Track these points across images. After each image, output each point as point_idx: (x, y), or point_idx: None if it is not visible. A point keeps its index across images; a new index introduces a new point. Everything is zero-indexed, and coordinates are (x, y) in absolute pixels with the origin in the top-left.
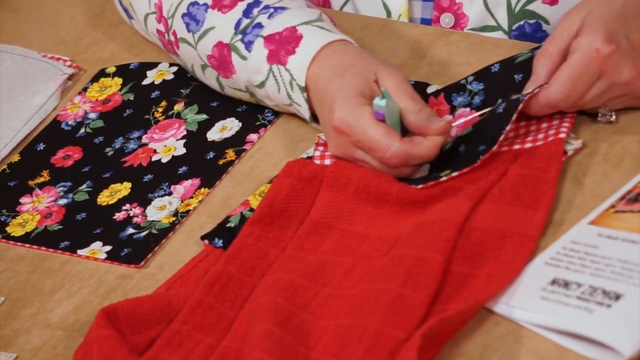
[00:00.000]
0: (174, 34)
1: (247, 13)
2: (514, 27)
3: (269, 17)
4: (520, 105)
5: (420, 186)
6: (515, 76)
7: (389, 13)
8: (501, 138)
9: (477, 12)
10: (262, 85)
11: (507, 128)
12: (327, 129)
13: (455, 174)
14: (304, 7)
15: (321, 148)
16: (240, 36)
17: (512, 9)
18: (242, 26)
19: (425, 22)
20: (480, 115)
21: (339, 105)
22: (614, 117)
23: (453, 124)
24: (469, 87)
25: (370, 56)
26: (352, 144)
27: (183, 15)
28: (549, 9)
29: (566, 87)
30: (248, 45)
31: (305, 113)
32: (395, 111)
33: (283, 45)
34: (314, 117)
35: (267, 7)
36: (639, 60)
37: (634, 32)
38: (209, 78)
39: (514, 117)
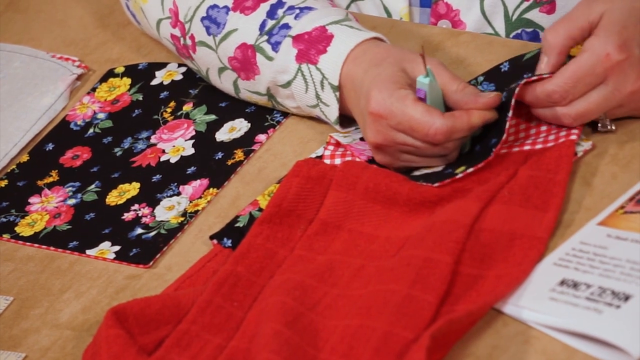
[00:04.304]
0: (192, 37)
1: (271, 14)
2: (511, 36)
3: (295, 18)
4: (517, 89)
5: (436, 184)
6: (525, 75)
7: (389, 16)
8: (507, 126)
9: (475, 20)
10: (288, 84)
11: (510, 114)
12: (363, 119)
13: (470, 169)
14: (329, 7)
15: (331, 147)
16: (265, 37)
17: (509, 18)
18: (267, 27)
19: None
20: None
21: (377, 91)
22: (613, 127)
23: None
24: (480, 87)
25: (404, 49)
26: (392, 128)
27: (202, 19)
28: (546, 18)
29: (567, 83)
30: (275, 45)
31: (333, 114)
32: (438, 93)
33: (313, 44)
34: (339, 120)
35: (292, 7)
36: None
37: None
38: (225, 82)
39: (513, 101)
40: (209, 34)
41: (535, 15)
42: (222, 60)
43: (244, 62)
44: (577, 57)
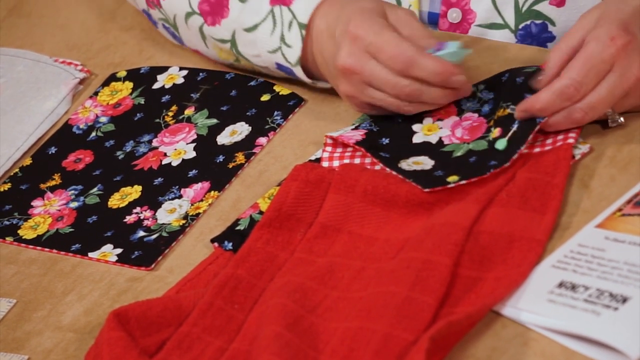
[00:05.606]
0: None
1: None
2: (520, 27)
3: None
4: (537, 127)
5: (427, 190)
6: (517, 79)
7: (399, 3)
8: (515, 157)
9: (485, 9)
10: (253, 28)
11: (522, 148)
12: (336, 49)
13: (463, 182)
14: None
15: (329, 149)
16: None
17: (519, 8)
18: None
19: (433, 16)
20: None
21: (359, 15)
22: (622, 119)
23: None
24: (479, 94)
25: None
26: (365, 52)
27: None
28: (556, 11)
29: (579, 74)
30: None
31: (295, 55)
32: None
33: None
34: (306, 74)
35: None
36: None
37: None
38: (191, 28)
39: (530, 137)
40: None
41: (545, 7)
42: (192, 4)
43: (216, 4)
44: (584, 47)
